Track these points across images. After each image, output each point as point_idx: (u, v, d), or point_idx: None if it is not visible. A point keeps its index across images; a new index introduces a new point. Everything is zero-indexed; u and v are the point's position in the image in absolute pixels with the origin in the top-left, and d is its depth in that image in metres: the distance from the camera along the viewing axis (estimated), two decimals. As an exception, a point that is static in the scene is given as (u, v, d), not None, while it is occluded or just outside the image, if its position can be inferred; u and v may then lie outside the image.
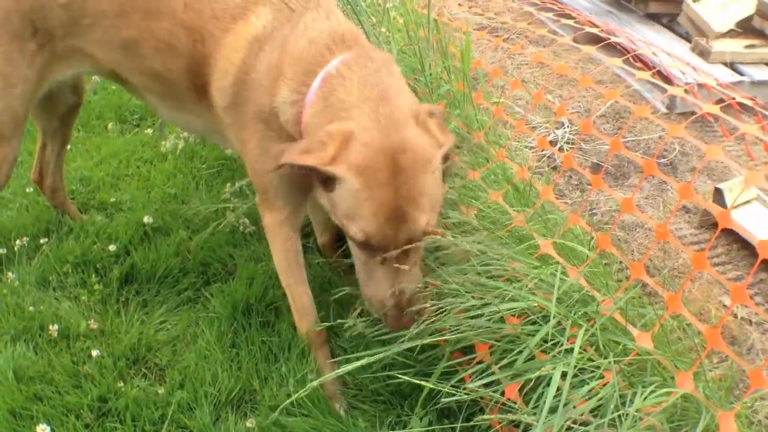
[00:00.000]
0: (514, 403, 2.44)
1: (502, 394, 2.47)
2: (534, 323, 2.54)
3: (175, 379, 3.22)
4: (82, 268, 3.85)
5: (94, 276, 3.77)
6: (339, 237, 3.68)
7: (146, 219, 4.10)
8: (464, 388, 2.52)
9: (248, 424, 3.00)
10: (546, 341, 2.45)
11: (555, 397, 2.23)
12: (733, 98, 3.44)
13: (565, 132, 5.19)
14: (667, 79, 4.79)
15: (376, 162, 2.47)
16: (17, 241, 3.96)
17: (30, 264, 3.89)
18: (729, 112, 2.87)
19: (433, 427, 2.82)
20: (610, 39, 3.94)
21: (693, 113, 5.43)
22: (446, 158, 2.64)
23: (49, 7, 3.11)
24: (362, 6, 4.53)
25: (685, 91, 3.08)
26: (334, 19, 2.87)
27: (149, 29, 3.06)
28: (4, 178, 3.44)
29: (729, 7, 6.43)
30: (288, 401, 2.86)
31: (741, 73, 5.90)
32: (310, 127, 2.70)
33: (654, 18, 7.04)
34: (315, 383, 2.61)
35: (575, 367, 2.30)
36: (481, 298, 2.59)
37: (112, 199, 4.49)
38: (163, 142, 4.99)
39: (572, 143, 5.06)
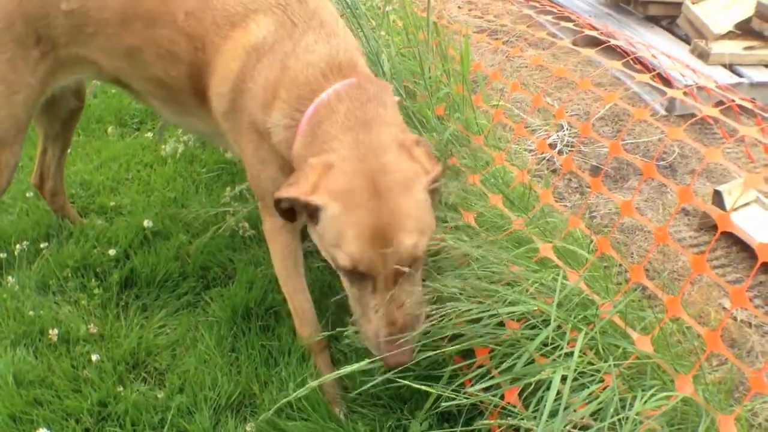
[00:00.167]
0: (514, 407, 2.44)
1: (502, 398, 2.47)
2: (534, 327, 2.54)
3: (174, 384, 3.22)
4: (82, 272, 3.85)
5: (93, 280, 3.78)
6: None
7: (146, 223, 4.10)
8: (464, 392, 2.52)
9: (248, 428, 3.00)
10: (546, 345, 2.45)
11: (555, 400, 2.23)
12: (733, 100, 3.44)
13: (564, 135, 5.19)
14: (667, 82, 4.79)
15: (355, 186, 2.47)
16: (17, 246, 3.96)
17: (30, 268, 3.89)
18: (728, 114, 2.87)
19: (433, 431, 2.83)
20: (609, 42, 3.94)
21: (692, 115, 5.43)
22: (434, 184, 2.62)
23: (52, 15, 3.13)
24: (362, 9, 4.54)
25: (685, 93, 3.08)
26: (334, 43, 2.84)
27: (151, 37, 3.07)
28: (6, 183, 3.46)
29: (728, 9, 6.43)
30: (285, 400, 2.86)
31: (740, 75, 5.90)
32: (299, 158, 2.71)
33: (653, 20, 7.04)
34: (314, 383, 2.61)
35: (575, 370, 2.29)
36: (481, 303, 2.59)
37: (112, 203, 4.49)
38: (162, 146, 4.99)
39: (571, 146, 5.06)
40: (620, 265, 3.57)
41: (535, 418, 2.32)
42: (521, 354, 2.46)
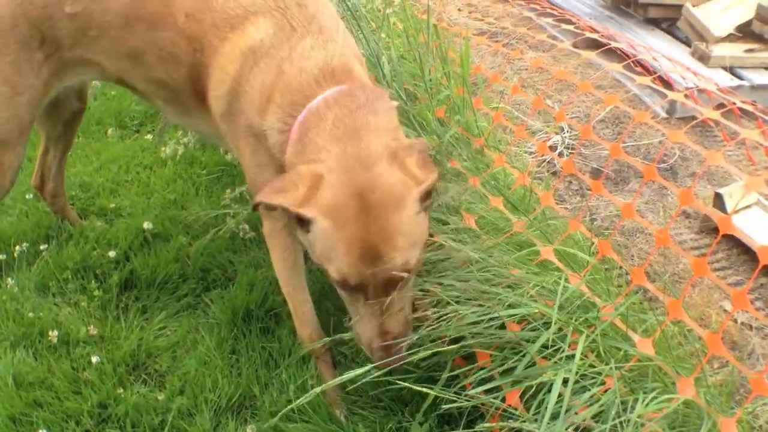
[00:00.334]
0: (515, 409, 2.43)
1: (503, 400, 2.47)
2: (535, 330, 2.53)
3: (175, 385, 3.22)
4: (81, 274, 3.85)
5: (93, 282, 3.77)
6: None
7: (146, 225, 4.10)
8: (465, 395, 2.51)
9: (248, 430, 2.99)
10: (547, 347, 2.44)
11: (556, 403, 2.23)
12: (734, 103, 3.44)
13: (564, 137, 5.19)
14: (667, 84, 4.79)
15: (345, 201, 2.47)
16: (17, 247, 3.96)
17: (30, 270, 3.89)
18: (729, 116, 2.86)
19: (433, 434, 2.83)
20: (610, 44, 3.94)
21: (693, 118, 5.43)
22: (427, 195, 2.60)
23: (56, 18, 3.13)
24: (362, 11, 4.54)
25: (686, 96, 3.08)
26: (331, 49, 2.82)
27: (153, 39, 3.08)
28: (9, 185, 3.47)
29: (728, 12, 6.43)
30: (288, 408, 2.85)
31: (741, 78, 5.90)
32: (290, 165, 2.71)
33: (654, 23, 7.04)
34: (317, 390, 2.60)
35: (576, 373, 2.29)
36: (481, 306, 2.58)
37: (112, 205, 4.49)
38: (162, 148, 4.99)
39: (572, 148, 5.06)
40: (620, 267, 3.56)
41: (536, 420, 2.31)
42: (522, 356, 2.46)
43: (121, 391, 3.18)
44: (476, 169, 3.43)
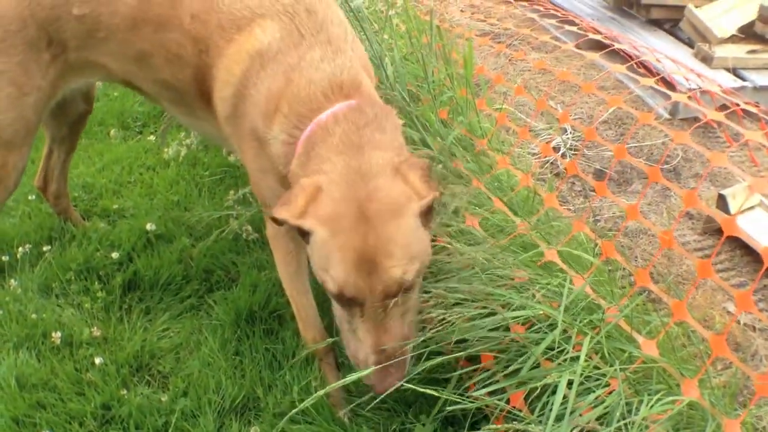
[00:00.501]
0: (520, 411, 2.43)
1: (508, 402, 2.46)
2: (539, 331, 2.53)
3: (178, 387, 3.22)
4: (84, 275, 3.85)
5: (97, 283, 3.78)
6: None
7: (149, 226, 4.10)
8: (469, 396, 2.51)
9: (252, 432, 3.00)
10: (551, 349, 2.44)
11: (561, 405, 2.23)
12: (737, 104, 3.44)
13: (567, 138, 5.19)
14: (670, 85, 4.79)
15: (342, 211, 2.45)
16: (20, 249, 3.96)
17: (33, 271, 3.89)
18: (732, 118, 2.86)
19: (437, 436, 2.83)
20: (613, 45, 3.94)
21: (695, 119, 5.43)
22: (429, 211, 2.57)
23: (64, 20, 3.14)
24: (365, 13, 4.53)
25: (689, 97, 3.08)
26: (339, 62, 2.79)
27: (160, 41, 3.07)
28: (13, 186, 3.48)
29: (731, 13, 6.44)
30: (293, 411, 2.84)
31: (743, 79, 5.90)
32: (294, 177, 2.69)
33: (656, 24, 7.04)
34: (321, 392, 2.59)
35: (581, 375, 2.29)
36: (485, 308, 2.58)
37: (115, 206, 4.49)
38: (165, 149, 4.99)
39: (575, 150, 5.06)
40: (624, 268, 3.56)
41: (540, 422, 2.31)
42: (527, 358, 2.45)
43: (125, 392, 3.18)
44: (479, 170, 3.43)
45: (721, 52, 6.08)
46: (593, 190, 4.47)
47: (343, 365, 3.20)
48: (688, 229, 4.36)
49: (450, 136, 3.54)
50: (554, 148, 5.08)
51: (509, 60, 6.46)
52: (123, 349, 3.41)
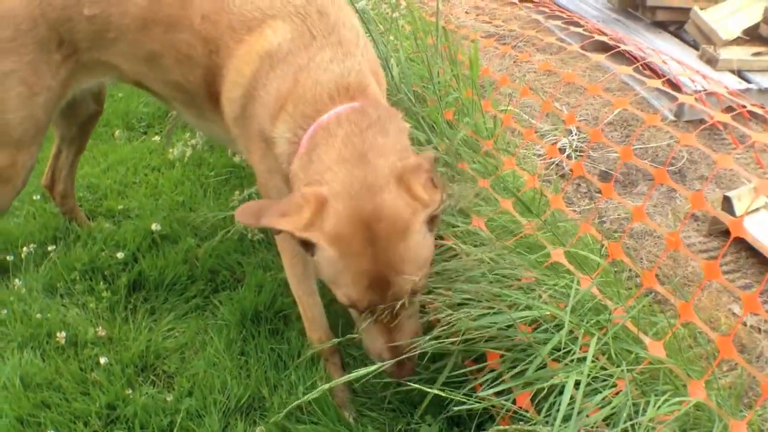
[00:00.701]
0: (526, 411, 2.43)
1: (514, 402, 2.46)
2: (545, 332, 2.53)
3: (183, 387, 3.22)
4: (89, 275, 3.85)
5: (101, 283, 3.78)
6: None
7: (154, 226, 4.10)
8: (475, 397, 2.51)
9: (257, 432, 3.00)
10: (558, 350, 2.44)
11: (568, 405, 2.22)
12: (744, 106, 3.43)
13: (573, 140, 5.18)
14: (675, 87, 4.78)
15: (351, 230, 2.44)
16: (24, 248, 3.96)
17: (37, 271, 3.89)
18: (737, 119, 2.86)
19: (443, 436, 2.83)
20: (618, 47, 3.94)
21: (701, 121, 5.43)
22: (433, 217, 2.57)
23: (75, 20, 3.14)
24: (370, 14, 4.54)
25: (696, 99, 3.08)
26: (348, 64, 2.77)
27: (170, 42, 3.08)
28: (21, 185, 3.49)
29: (736, 15, 6.43)
30: (295, 404, 2.85)
31: (748, 81, 5.89)
32: (295, 179, 2.69)
33: (661, 26, 7.04)
34: (325, 387, 2.60)
35: (588, 375, 2.29)
36: (491, 308, 2.58)
37: (120, 207, 4.49)
38: (170, 150, 4.99)
39: (580, 151, 5.05)
40: (630, 270, 3.56)
41: (547, 423, 2.31)
42: (533, 358, 2.45)
43: (130, 392, 3.17)
44: (485, 171, 3.43)
45: (726, 54, 6.08)
46: (599, 192, 4.47)
47: (348, 366, 3.20)
48: (693, 230, 4.36)
49: (457, 138, 3.54)
50: (559, 149, 5.08)
51: (514, 61, 6.47)
52: (128, 349, 3.41)
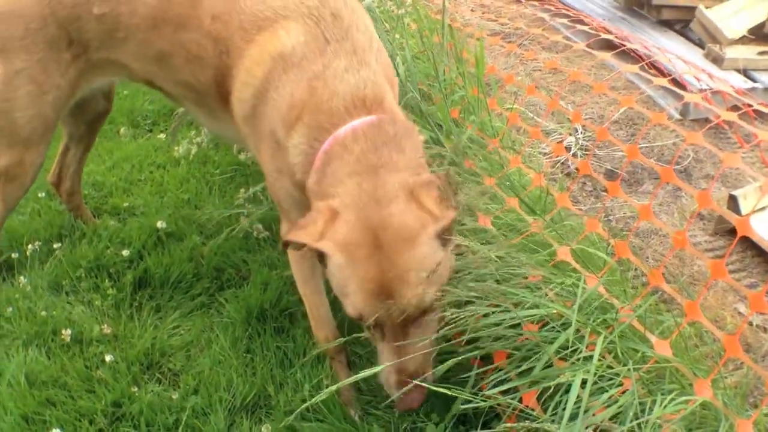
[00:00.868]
0: (533, 410, 2.43)
1: (520, 401, 2.46)
2: (552, 330, 2.53)
3: (189, 384, 3.22)
4: (95, 272, 3.86)
5: (107, 281, 3.78)
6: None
7: (159, 224, 4.10)
8: (482, 395, 2.51)
9: (263, 430, 2.99)
10: (564, 348, 2.44)
11: (574, 404, 2.22)
12: (750, 105, 3.43)
13: (578, 138, 5.18)
14: (681, 86, 4.78)
15: (359, 238, 2.45)
16: (29, 246, 3.96)
17: (42, 268, 3.89)
18: (743, 118, 2.86)
19: (449, 434, 2.83)
20: (624, 45, 3.94)
21: (706, 119, 5.43)
22: (446, 232, 2.55)
23: (84, 19, 3.15)
24: (376, 13, 4.54)
25: (701, 98, 3.07)
26: (363, 75, 2.73)
27: (180, 41, 3.07)
28: (29, 183, 3.50)
29: (741, 14, 6.43)
30: (303, 406, 2.84)
31: (754, 80, 5.88)
32: (311, 194, 2.69)
33: (666, 24, 7.03)
34: (332, 388, 2.59)
35: (594, 374, 2.28)
36: (497, 306, 2.58)
37: (125, 204, 4.49)
38: (175, 147, 4.99)
39: (586, 149, 5.05)
40: (636, 269, 3.56)
41: (553, 421, 2.31)
42: (540, 357, 2.45)
43: (135, 389, 3.18)
44: (491, 169, 3.42)
45: (731, 53, 6.08)
46: (605, 190, 4.47)
47: (354, 364, 3.20)
48: (699, 229, 4.35)
49: (464, 136, 3.54)
50: (565, 147, 5.07)
51: (520, 60, 6.46)
52: (133, 347, 3.41)
